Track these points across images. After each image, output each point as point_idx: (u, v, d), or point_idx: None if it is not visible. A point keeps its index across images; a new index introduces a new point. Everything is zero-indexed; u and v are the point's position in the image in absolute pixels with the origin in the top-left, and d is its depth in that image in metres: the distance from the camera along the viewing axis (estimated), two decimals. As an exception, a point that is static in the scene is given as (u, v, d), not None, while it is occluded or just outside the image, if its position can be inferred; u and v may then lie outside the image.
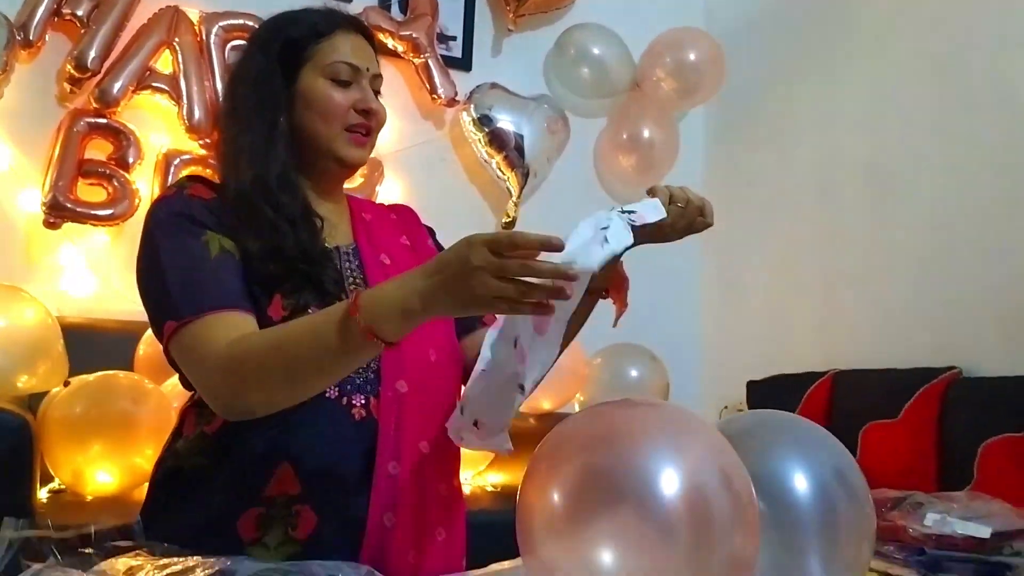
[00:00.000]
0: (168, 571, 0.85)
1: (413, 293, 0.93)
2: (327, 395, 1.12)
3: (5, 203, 2.59)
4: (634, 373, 2.85)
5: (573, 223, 0.95)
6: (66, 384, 2.10)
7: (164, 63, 2.74)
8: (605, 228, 0.94)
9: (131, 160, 2.65)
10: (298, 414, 1.08)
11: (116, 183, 2.61)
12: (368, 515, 1.11)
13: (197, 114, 2.71)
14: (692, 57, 3.27)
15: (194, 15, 2.78)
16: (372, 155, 1.36)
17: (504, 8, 3.27)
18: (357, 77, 1.25)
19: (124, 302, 2.51)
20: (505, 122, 3.12)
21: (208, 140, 2.66)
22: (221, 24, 2.79)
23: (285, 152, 1.21)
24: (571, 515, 0.77)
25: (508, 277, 0.87)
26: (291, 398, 1.05)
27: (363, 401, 1.15)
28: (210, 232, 1.14)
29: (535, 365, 0.98)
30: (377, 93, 1.29)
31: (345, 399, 1.14)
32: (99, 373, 2.11)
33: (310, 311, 1.12)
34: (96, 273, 2.63)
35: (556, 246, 0.87)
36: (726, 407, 3.04)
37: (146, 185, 2.67)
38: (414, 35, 3.06)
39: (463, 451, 1.29)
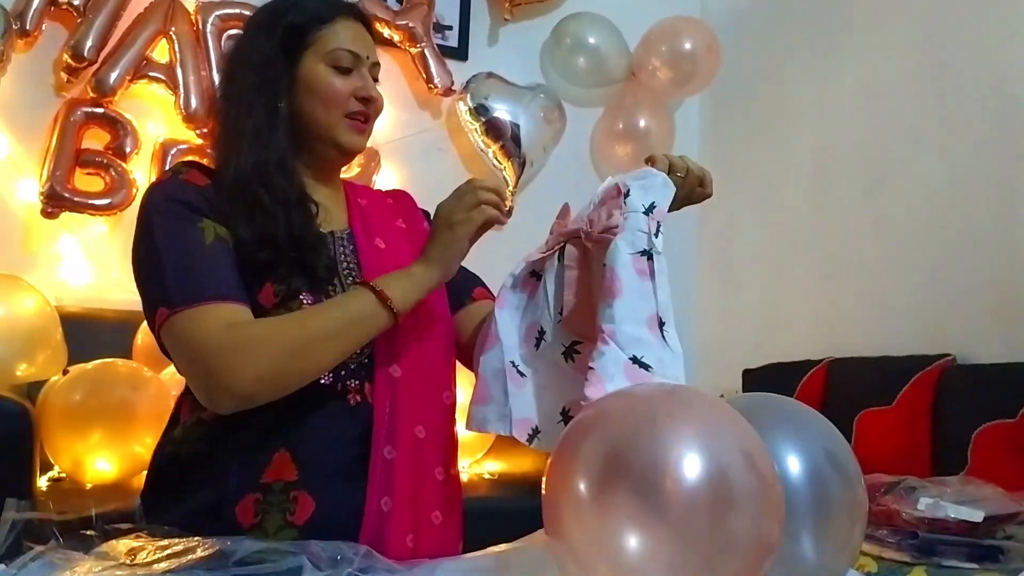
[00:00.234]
0: (169, 551, 0.86)
1: (415, 264, 1.15)
2: (322, 381, 1.13)
3: (3, 193, 2.59)
4: (630, 362, 2.85)
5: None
6: (65, 372, 2.11)
7: (160, 52, 2.74)
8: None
9: (128, 150, 2.64)
10: (294, 401, 1.09)
11: (113, 172, 2.61)
12: (365, 500, 1.11)
13: (194, 103, 2.71)
14: (688, 46, 3.26)
15: (190, 4, 2.78)
16: (369, 144, 1.37)
17: (500, -3, 3.27)
18: (357, 64, 1.25)
19: (122, 291, 2.51)
20: (501, 111, 3.12)
21: (205, 129, 2.67)
22: (217, 13, 2.78)
23: (285, 137, 1.22)
24: (595, 499, 0.77)
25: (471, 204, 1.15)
26: (288, 372, 1.07)
27: (358, 386, 1.16)
28: (206, 219, 1.14)
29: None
30: (375, 81, 1.29)
31: (340, 385, 1.15)
32: (98, 361, 2.12)
33: (302, 297, 1.13)
34: (94, 262, 2.64)
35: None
36: (722, 396, 3.05)
37: (143, 174, 2.67)
38: (410, 24, 3.06)
39: (459, 439, 1.31)
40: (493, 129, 3.12)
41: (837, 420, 1.03)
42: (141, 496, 1.18)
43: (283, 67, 1.23)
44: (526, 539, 1.12)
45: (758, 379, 2.83)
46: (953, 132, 2.51)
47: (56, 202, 2.53)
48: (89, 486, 2.06)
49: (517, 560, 1.00)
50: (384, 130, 2.95)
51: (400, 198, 1.45)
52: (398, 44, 3.08)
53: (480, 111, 3.11)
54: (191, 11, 2.77)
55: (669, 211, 1.08)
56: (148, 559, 0.87)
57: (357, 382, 1.16)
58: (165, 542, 0.90)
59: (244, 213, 1.16)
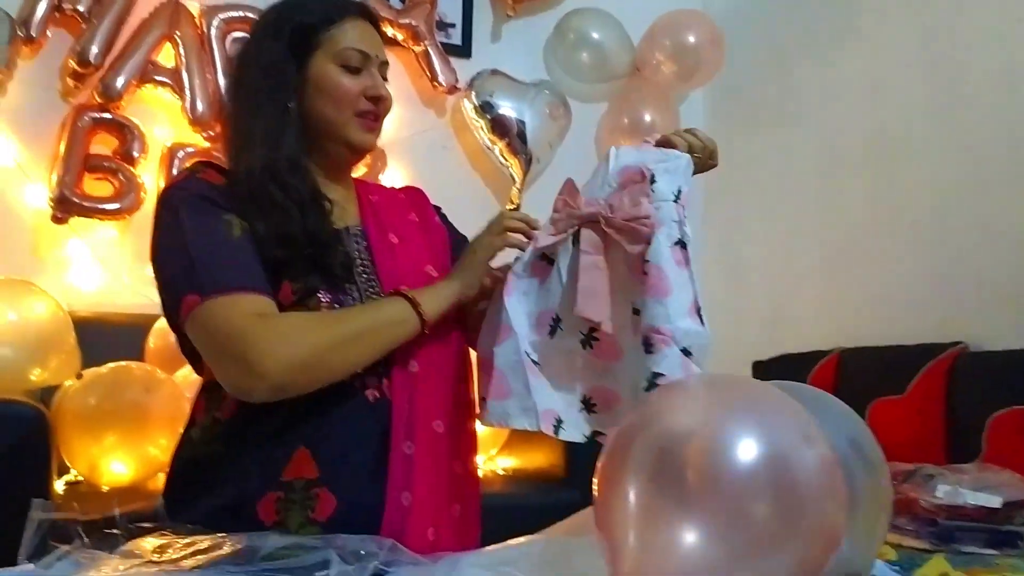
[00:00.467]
0: (195, 548, 0.87)
1: (441, 280, 1.22)
2: None
3: (12, 199, 2.59)
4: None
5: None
6: (79, 377, 2.11)
7: (166, 57, 2.74)
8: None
9: (136, 154, 2.65)
10: (312, 399, 1.10)
11: (122, 177, 2.61)
12: (386, 495, 1.12)
13: (200, 107, 2.71)
14: (691, 40, 3.26)
15: (194, 8, 2.78)
16: (375, 143, 1.38)
17: (503, -6, 3.27)
18: (367, 64, 1.25)
19: (133, 295, 2.52)
20: (507, 109, 3.12)
21: (212, 133, 2.68)
22: (221, 16, 2.79)
23: (295, 137, 1.22)
24: (649, 496, 0.77)
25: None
26: (322, 365, 1.09)
27: (376, 382, 1.16)
28: (230, 214, 1.15)
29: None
30: (384, 79, 1.30)
31: (359, 381, 1.15)
32: (112, 364, 2.12)
33: (319, 295, 1.14)
34: (104, 267, 2.64)
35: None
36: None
37: (151, 178, 2.68)
38: (413, 23, 3.06)
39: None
40: (499, 126, 3.12)
41: (849, 411, 1.03)
42: (163, 495, 1.19)
43: (292, 68, 1.23)
44: (546, 531, 1.13)
45: (768, 371, 2.83)
46: (959, 121, 2.51)
47: (65, 207, 2.54)
48: (106, 489, 2.06)
49: (539, 552, 1.00)
50: (390, 129, 2.93)
51: (412, 193, 1.45)
52: (401, 43, 3.07)
53: (485, 108, 3.11)
54: (195, 15, 2.78)
55: None
56: (175, 556, 0.87)
57: (375, 378, 1.16)
58: (191, 539, 0.90)
59: (259, 211, 1.16)
